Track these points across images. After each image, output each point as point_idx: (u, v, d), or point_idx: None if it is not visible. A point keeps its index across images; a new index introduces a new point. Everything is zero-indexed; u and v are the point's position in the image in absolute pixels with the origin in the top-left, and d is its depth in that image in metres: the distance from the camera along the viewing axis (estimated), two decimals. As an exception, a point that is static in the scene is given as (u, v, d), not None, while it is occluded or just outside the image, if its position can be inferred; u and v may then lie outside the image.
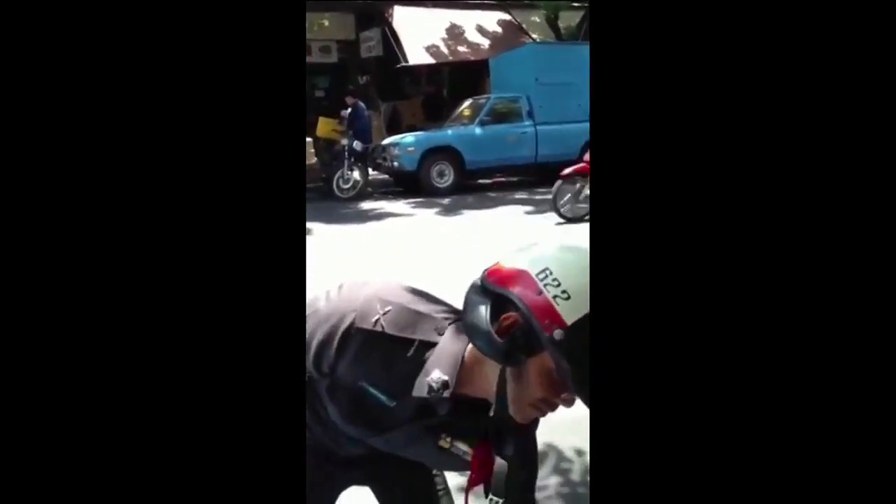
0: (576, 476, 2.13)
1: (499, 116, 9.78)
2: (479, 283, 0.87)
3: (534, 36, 13.48)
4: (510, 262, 0.85)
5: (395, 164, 9.23)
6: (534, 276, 0.79)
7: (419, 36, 12.70)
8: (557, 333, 0.75)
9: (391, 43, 12.68)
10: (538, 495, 1.04)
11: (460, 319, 0.88)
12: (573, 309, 0.75)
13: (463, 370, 0.86)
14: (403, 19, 12.84)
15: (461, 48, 13.14)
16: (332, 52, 13.32)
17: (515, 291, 0.79)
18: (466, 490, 0.92)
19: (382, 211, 8.23)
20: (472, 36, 13.36)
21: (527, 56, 10.40)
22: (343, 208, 8.41)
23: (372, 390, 0.88)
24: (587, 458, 2.22)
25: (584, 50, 9.36)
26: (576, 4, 12.76)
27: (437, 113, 11.96)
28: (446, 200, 8.69)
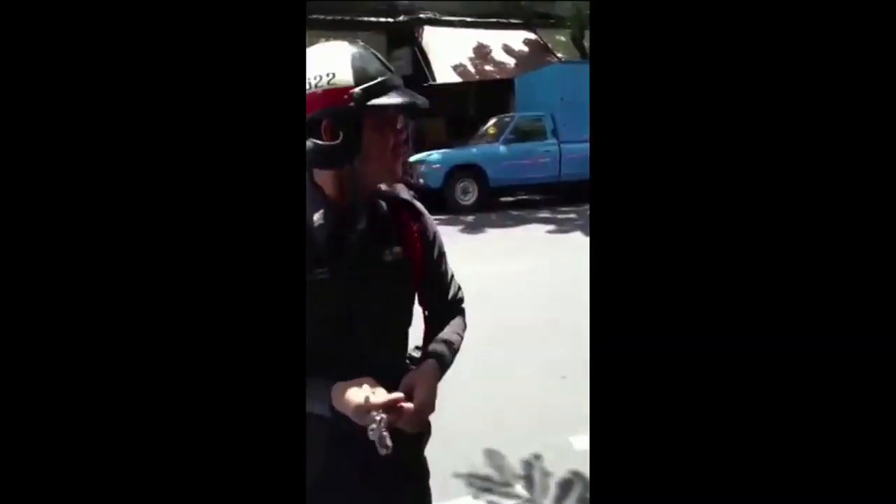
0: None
1: (523, 135, 9.85)
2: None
3: (559, 55, 13.57)
4: None
5: (421, 181, 9.34)
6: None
7: (447, 55, 12.87)
8: (358, 94, 0.93)
9: (420, 62, 12.88)
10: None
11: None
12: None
13: None
14: (432, 39, 13.03)
15: (488, 67, 13.27)
16: (365, 70, 13.48)
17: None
18: None
19: (407, 227, 8.27)
20: (499, 55, 13.49)
21: (552, 75, 10.48)
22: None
23: None
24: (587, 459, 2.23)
25: (609, 70, 9.36)
26: (602, 25, 12.76)
27: (461, 131, 12.10)
28: (470, 218, 8.77)
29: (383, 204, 1.07)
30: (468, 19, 13.35)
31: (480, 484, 2.31)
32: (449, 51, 12.87)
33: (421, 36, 13.04)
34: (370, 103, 0.94)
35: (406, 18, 13.03)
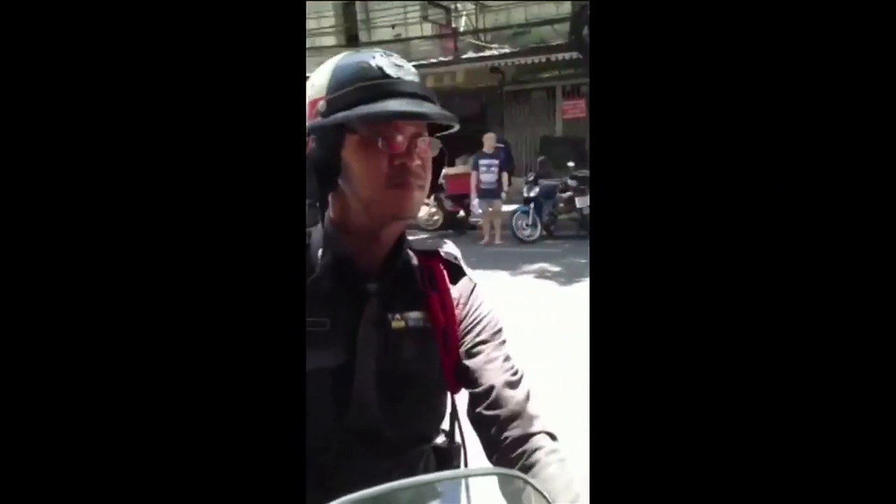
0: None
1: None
2: None
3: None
4: None
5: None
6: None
7: None
8: (321, 106, 0.81)
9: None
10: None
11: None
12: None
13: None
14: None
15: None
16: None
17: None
18: None
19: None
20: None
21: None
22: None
23: None
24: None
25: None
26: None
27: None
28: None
29: (411, 254, 0.91)
30: None
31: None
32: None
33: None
34: (342, 115, 0.79)
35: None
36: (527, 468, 0.79)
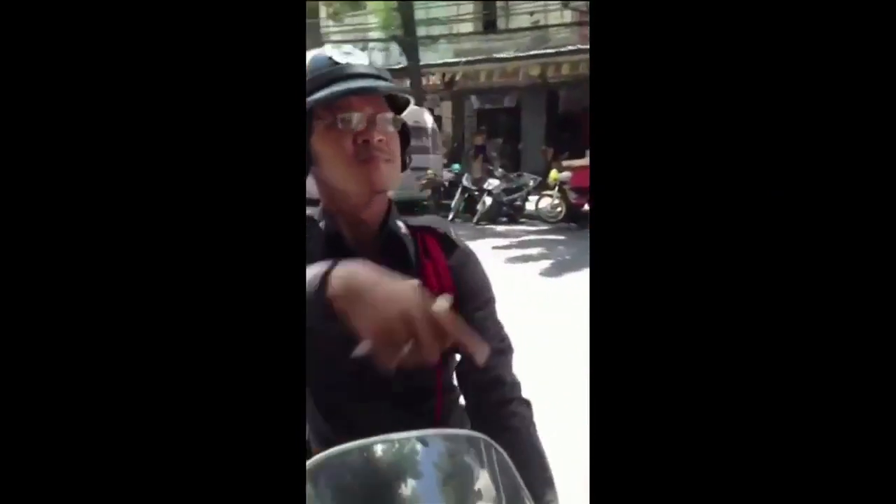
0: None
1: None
2: None
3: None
4: None
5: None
6: None
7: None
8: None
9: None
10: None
11: None
12: None
13: None
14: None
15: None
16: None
17: None
18: None
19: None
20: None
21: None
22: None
23: None
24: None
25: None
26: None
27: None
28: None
29: (402, 227, 0.94)
30: None
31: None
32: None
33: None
34: (309, 99, 0.84)
35: None
36: (501, 431, 0.85)
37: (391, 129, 0.90)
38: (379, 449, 0.68)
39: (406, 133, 0.95)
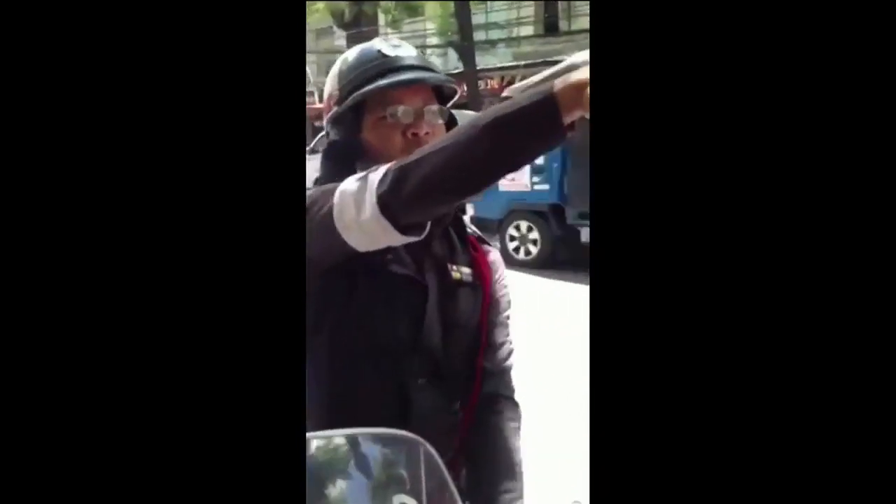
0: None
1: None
2: None
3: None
4: None
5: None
6: None
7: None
8: (335, 97, 0.92)
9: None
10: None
11: None
12: None
13: None
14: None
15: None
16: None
17: None
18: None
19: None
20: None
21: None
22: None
23: None
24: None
25: None
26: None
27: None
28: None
29: (450, 229, 0.98)
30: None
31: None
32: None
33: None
34: (351, 97, 0.88)
35: None
36: (484, 424, 0.95)
37: (439, 120, 0.92)
38: (313, 446, 0.68)
39: (453, 124, 0.95)
